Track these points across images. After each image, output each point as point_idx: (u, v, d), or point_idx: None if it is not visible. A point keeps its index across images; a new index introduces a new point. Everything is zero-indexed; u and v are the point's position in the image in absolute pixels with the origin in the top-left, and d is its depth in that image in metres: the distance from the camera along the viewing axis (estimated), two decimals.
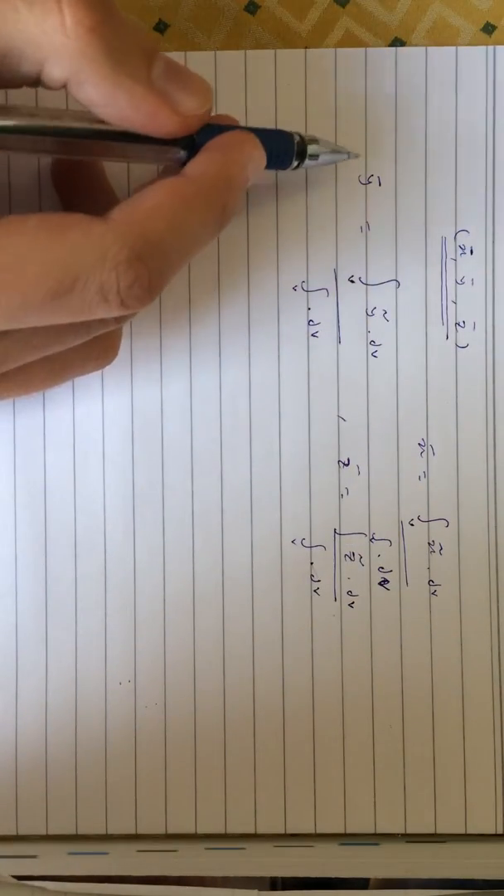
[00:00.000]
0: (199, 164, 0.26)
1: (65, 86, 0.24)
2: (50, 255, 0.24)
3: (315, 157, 0.30)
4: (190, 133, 0.26)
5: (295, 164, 0.29)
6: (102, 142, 0.26)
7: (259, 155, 0.27)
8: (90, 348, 0.28)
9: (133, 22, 0.25)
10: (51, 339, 0.26)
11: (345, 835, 0.32)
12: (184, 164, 0.27)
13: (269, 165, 0.29)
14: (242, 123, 0.32)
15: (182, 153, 0.27)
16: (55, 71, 0.23)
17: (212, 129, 0.27)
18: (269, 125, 0.32)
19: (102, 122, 0.25)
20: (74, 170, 0.29)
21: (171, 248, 0.25)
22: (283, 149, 0.29)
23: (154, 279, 0.25)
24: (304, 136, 0.29)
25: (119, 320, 0.27)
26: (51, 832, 0.32)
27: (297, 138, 0.29)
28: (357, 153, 0.31)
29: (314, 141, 0.30)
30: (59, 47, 0.23)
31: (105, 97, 0.24)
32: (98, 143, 0.26)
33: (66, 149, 0.26)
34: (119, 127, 0.25)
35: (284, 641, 0.32)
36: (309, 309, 0.32)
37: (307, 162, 0.30)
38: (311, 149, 0.29)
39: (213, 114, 0.27)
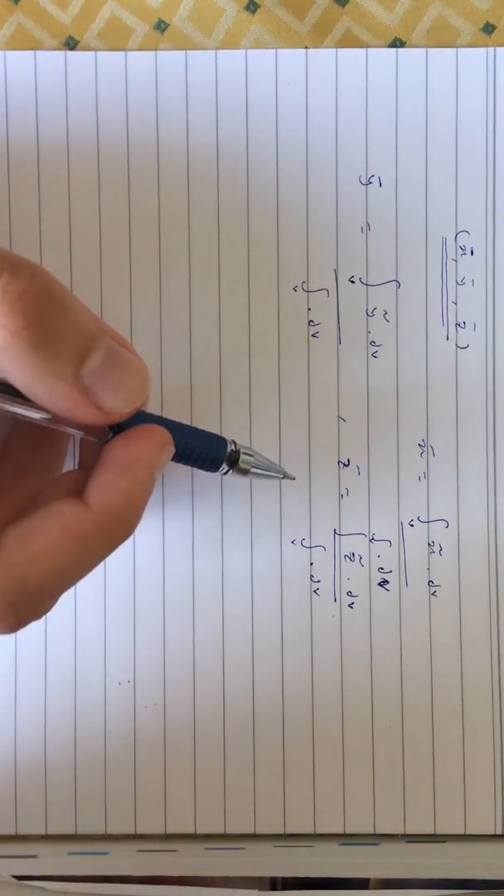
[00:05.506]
0: (103, 491, 0.25)
1: None
2: None
3: (245, 471, 0.29)
4: (110, 424, 0.25)
5: (224, 469, 0.29)
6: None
7: (167, 455, 0.27)
8: None
9: (80, 310, 0.23)
10: None
11: (345, 835, 0.32)
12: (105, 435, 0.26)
13: (195, 465, 0.28)
14: (243, 123, 0.32)
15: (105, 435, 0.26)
16: None
17: (140, 416, 0.26)
18: (270, 125, 0.32)
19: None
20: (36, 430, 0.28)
21: (52, 591, 0.24)
22: (213, 453, 0.28)
23: (23, 619, 0.24)
24: (240, 446, 0.29)
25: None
26: (50, 832, 0.32)
27: (230, 447, 0.29)
28: (293, 476, 0.32)
29: (249, 455, 0.29)
30: None
31: (26, 387, 0.23)
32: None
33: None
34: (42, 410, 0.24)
35: (284, 642, 0.32)
36: (309, 309, 0.32)
37: (235, 473, 0.29)
38: (243, 460, 0.29)
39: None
